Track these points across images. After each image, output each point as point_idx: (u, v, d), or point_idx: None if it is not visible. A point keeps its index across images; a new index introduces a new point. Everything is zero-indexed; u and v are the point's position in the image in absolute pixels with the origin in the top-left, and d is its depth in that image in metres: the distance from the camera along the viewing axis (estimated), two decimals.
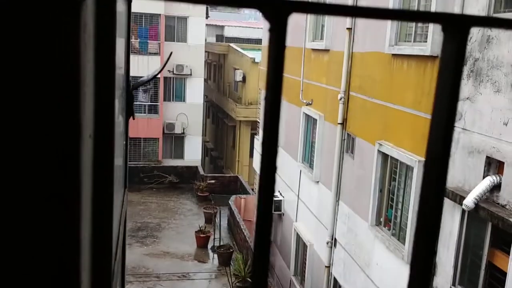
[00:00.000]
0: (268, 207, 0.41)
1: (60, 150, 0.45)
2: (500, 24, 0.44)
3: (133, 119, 1.74)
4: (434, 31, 7.31)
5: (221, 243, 17.27)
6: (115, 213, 1.03)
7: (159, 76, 25.09)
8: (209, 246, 17.75)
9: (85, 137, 0.53)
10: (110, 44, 0.75)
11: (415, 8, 8.16)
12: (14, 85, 0.42)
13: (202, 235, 17.66)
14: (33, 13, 0.40)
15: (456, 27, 0.41)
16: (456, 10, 6.85)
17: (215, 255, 16.96)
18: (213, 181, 23.17)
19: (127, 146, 1.83)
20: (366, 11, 0.42)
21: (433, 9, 7.35)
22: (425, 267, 0.44)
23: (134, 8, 24.39)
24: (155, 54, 25.43)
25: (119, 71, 1.38)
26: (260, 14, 0.42)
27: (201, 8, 26.48)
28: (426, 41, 7.65)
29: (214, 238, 17.52)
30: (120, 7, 1.27)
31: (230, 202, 19.26)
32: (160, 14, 25.33)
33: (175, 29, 26.28)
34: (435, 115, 0.44)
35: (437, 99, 0.43)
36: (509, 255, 5.87)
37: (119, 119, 1.40)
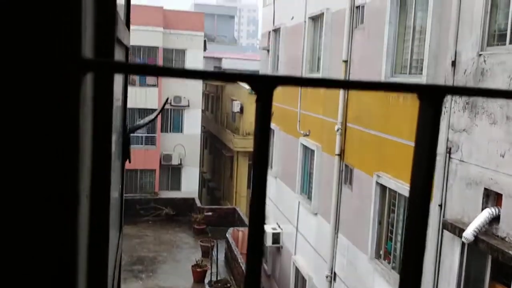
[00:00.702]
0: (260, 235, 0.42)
1: (59, 212, 0.45)
2: (472, 94, 0.47)
3: (129, 162, 1.74)
4: (429, 64, 7.41)
5: (218, 278, 16.99)
6: (109, 263, 1.01)
7: (156, 108, 25.21)
8: (206, 281, 17.45)
9: (82, 199, 0.53)
10: (107, 114, 0.76)
11: (410, 45, 8.29)
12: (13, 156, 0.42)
13: (198, 269, 17.39)
14: (35, 89, 0.41)
15: (432, 96, 0.44)
16: (451, 43, 6.96)
17: None
18: (210, 213, 22.99)
19: (123, 189, 1.83)
20: (344, 83, 0.43)
21: (427, 45, 7.46)
22: None
23: (133, 41, 24.69)
24: (153, 86, 25.65)
25: (117, 118, 1.39)
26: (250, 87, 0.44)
27: (199, 41, 26.87)
28: (421, 73, 7.75)
29: (211, 273, 17.25)
30: (118, 55, 1.28)
31: (227, 235, 19.06)
32: (158, 47, 25.67)
33: (173, 62, 26.59)
34: (413, 181, 0.45)
35: (415, 163, 0.45)
36: None
37: (115, 163, 1.40)
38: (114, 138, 1.24)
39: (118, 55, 1.14)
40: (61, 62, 0.42)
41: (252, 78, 0.45)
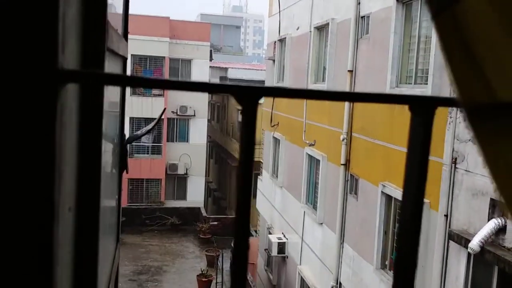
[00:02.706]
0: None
1: (33, 225, 0.45)
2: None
3: (127, 173, 1.74)
4: (435, 74, 7.40)
5: None
6: (102, 273, 1.01)
7: (162, 117, 25.31)
8: None
9: (63, 211, 0.52)
10: (96, 124, 0.76)
11: (415, 55, 8.29)
12: None
13: (204, 279, 17.33)
14: (8, 98, 0.41)
15: (423, 108, 0.43)
16: None
17: None
18: (215, 223, 22.96)
19: (120, 199, 1.83)
20: (330, 95, 0.43)
21: (432, 55, 7.46)
22: None
23: (139, 51, 24.93)
24: (159, 96, 25.77)
25: (114, 126, 1.39)
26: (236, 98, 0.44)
27: (205, 50, 27.01)
28: (426, 83, 7.73)
29: (216, 282, 17.18)
30: (114, 68, 1.29)
31: (232, 245, 18.94)
32: (164, 57, 25.82)
33: (179, 71, 26.72)
34: (405, 192, 0.45)
35: (407, 175, 0.45)
36: None
37: (112, 173, 1.40)
38: (109, 148, 1.24)
39: (112, 66, 1.15)
40: (36, 72, 0.42)
41: (236, 90, 0.45)
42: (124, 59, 1.57)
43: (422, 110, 0.45)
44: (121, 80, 0.44)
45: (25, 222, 0.45)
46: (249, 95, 0.43)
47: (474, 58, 0.41)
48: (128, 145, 1.85)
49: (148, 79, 0.44)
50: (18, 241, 0.46)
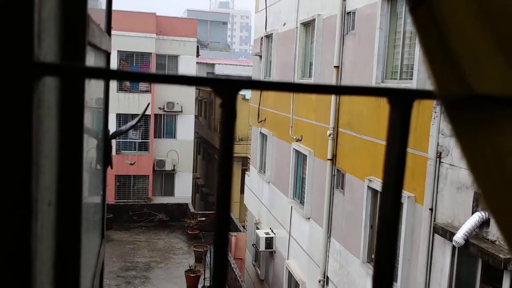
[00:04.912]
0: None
1: (9, 222, 0.45)
2: None
3: (111, 168, 1.73)
4: (419, 69, 7.46)
5: (212, 283, 16.93)
6: (87, 270, 1.01)
7: (149, 113, 25.20)
8: (200, 286, 17.38)
9: (42, 206, 0.53)
10: (77, 118, 0.76)
11: (400, 51, 8.35)
12: None
13: (192, 275, 17.32)
14: None
15: (402, 100, 0.43)
16: None
17: None
18: (203, 219, 22.93)
19: (105, 195, 1.82)
20: (310, 88, 0.44)
21: (417, 50, 7.52)
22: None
23: (125, 47, 24.72)
24: (146, 92, 25.61)
25: (97, 121, 1.39)
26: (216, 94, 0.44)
27: (192, 46, 26.89)
28: (411, 78, 7.80)
29: (204, 278, 17.19)
30: (97, 62, 1.28)
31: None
32: (151, 53, 25.65)
33: (166, 67, 26.57)
34: (385, 182, 0.45)
35: (386, 166, 0.45)
36: None
37: (96, 168, 1.40)
38: (93, 143, 1.24)
39: (94, 60, 1.14)
40: (10, 65, 0.42)
41: (215, 82, 0.45)
42: (108, 54, 1.56)
43: (401, 102, 0.45)
44: (99, 73, 0.45)
45: (2, 217, 0.46)
46: (228, 88, 0.44)
47: (450, 51, 0.42)
48: (112, 140, 1.84)
49: (128, 72, 0.44)
50: None
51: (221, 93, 0.43)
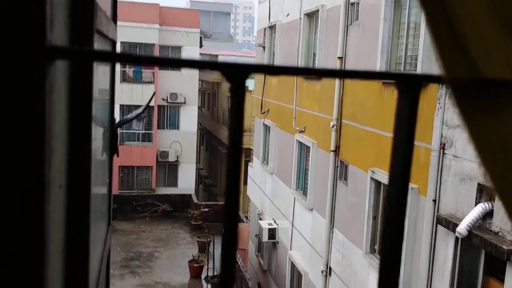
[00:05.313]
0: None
1: (23, 204, 0.46)
2: None
3: (117, 156, 1.74)
4: (424, 60, 7.43)
5: (215, 273, 17.03)
6: (94, 256, 1.02)
7: (153, 104, 25.20)
8: (203, 276, 17.49)
9: (54, 188, 0.53)
10: (86, 102, 0.76)
11: (404, 42, 8.31)
12: None
13: (195, 265, 17.43)
14: None
15: (409, 85, 0.44)
16: None
17: (209, 286, 16.69)
18: (206, 210, 23.02)
19: (111, 184, 1.84)
20: (318, 72, 0.44)
21: (421, 41, 7.48)
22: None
23: (129, 38, 24.67)
24: (149, 82, 25.59)
25: (103, 111, 1.40)
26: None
27: (195, 37, 26.82)
28: (416, 70, 7.76)
29: (207, 268, 17.29)
30: (100, 48, 1.29)
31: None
32: (154, 44, 25.60)
33: None
34: (392, 166, 0.46)
35: (394, 150, 0.45)
36: (503, 283, 5.83)
37: (103, 156, 1.41)
38: (99, 130, 1.25)
39: (101, 48, 1.15)
40: (25, 48, 0.43)
41: (224, 66, 0.44)
42: (114, 43, 1.57)
43: (409, 87, 0.45)
44: (109, 57, 0.45)
45: (17, 197, 0.46)
46: (237, 72, 0.43)
47: (458, 37, 0.43)
48: (118, 129, 1.85)
49: (136, 56, 0.45)
50: (10, 216, 0.47)
51: (230, 78, 0.43)
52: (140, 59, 0.45)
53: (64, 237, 0.70)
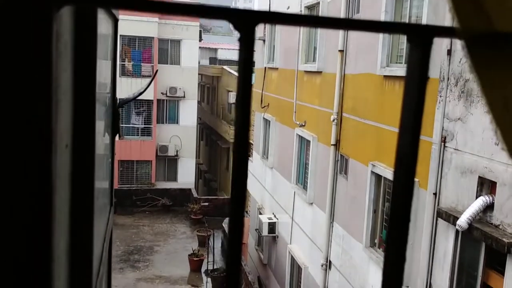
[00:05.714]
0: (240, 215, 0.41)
1: (31, 158, 0.45)
2: None
3: (119, 137, 1.73)
4: None
5: (215, 267, 17.07)
6: (97, 231, 1.01)
7: (152, 98, 25.17)
8: (203, 269, 17.53)
9: (60, 146, 0.52)
10: (91, 55, 0.75)
11: (407, 17, 8.27)
12: None
13: (195, 259, 17.46)
14: (4, 23, 0.40)
15: (421, 38, 0.42)
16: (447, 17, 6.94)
17: (209, 279, 16.74)
18: (206, 204, 23.05)
19: (113, 164, 1.82)
20: (329, 21, 0.42)
21: (424, 16, 7.44)
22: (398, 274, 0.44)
23: (128, 31, 24.61)
24: (149, 76, 25.54)
25: (105, 89, 1.38)
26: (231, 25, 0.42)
27: (195, 31, 26.74)
28: None
29: (207, 262, 17.33)
30: (105, 28, 1.27)
31: (223, 225, 19.11)
32: (153, 37, 25.54)
33: (169, 52, 26.46)
34: (403, 123, 0.45)
35: (404, 108, 0.44)
36: (503, 275, 5.84)
37: (105, 136, 1.39)
38: (103, 109, 1.23)
39: (104, 26, 1.13)
40: None
41: (232, 14, 0.42)
42: (116, 21, 1.55)
43: (419, 39, 0.44)
44: (112, 1, 0.43)
45: (24, 152, 0.45)
46: (247, 19, 0.41)
47: None
48: (120, 109, 1.84)
49: (141, 0, 0.42)
50: (18, 171, 0.45)
51: (239, 26, 0.41)
52: (145, 4, 0.42)
53: (70, 195, 0.69)
